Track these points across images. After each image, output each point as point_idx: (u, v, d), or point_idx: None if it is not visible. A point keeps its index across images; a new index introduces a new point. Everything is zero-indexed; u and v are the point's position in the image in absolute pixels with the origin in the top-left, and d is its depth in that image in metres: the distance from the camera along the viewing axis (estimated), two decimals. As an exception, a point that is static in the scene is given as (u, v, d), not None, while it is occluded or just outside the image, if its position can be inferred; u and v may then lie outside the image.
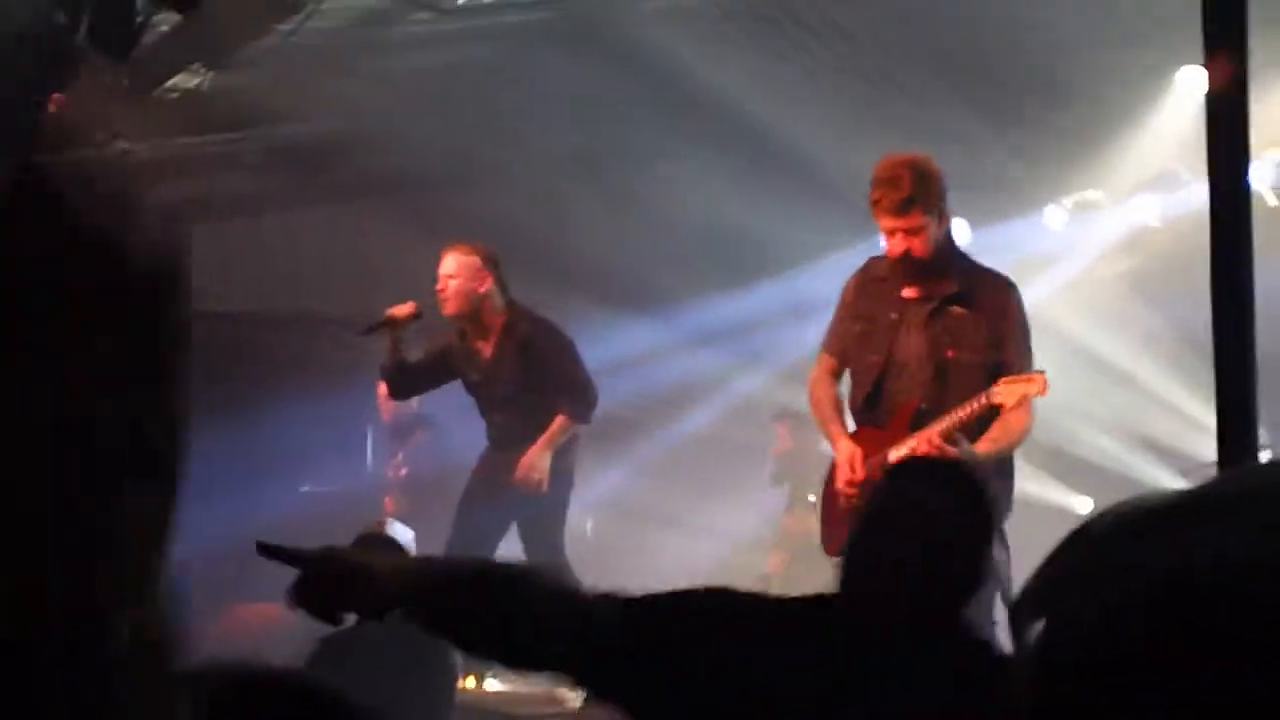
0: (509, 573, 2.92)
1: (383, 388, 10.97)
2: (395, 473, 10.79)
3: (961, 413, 6.00)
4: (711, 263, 12.11)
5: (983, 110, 10.84)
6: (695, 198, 11.86)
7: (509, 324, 8.07)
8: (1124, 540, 0.88)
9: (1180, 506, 0.88)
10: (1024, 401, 6.06)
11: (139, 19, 7.75)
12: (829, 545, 6.36)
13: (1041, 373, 6.09)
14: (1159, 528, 0.87)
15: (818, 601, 3.03)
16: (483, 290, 8.05)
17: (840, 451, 6.33)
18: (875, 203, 6.20)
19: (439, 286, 8.07)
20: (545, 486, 7.96)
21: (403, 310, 8.00)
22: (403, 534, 6.65)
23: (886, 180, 6.17)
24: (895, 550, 3.06)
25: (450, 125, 11.03)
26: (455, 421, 9.36)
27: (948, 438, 5.98)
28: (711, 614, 2.84)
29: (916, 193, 6.14)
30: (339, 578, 2.72)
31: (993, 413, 6.06)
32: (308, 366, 11.07)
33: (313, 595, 2.74)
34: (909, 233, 6.16)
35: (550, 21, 10.71)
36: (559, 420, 8.03)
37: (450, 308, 8.07)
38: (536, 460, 7.98)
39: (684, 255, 12.06)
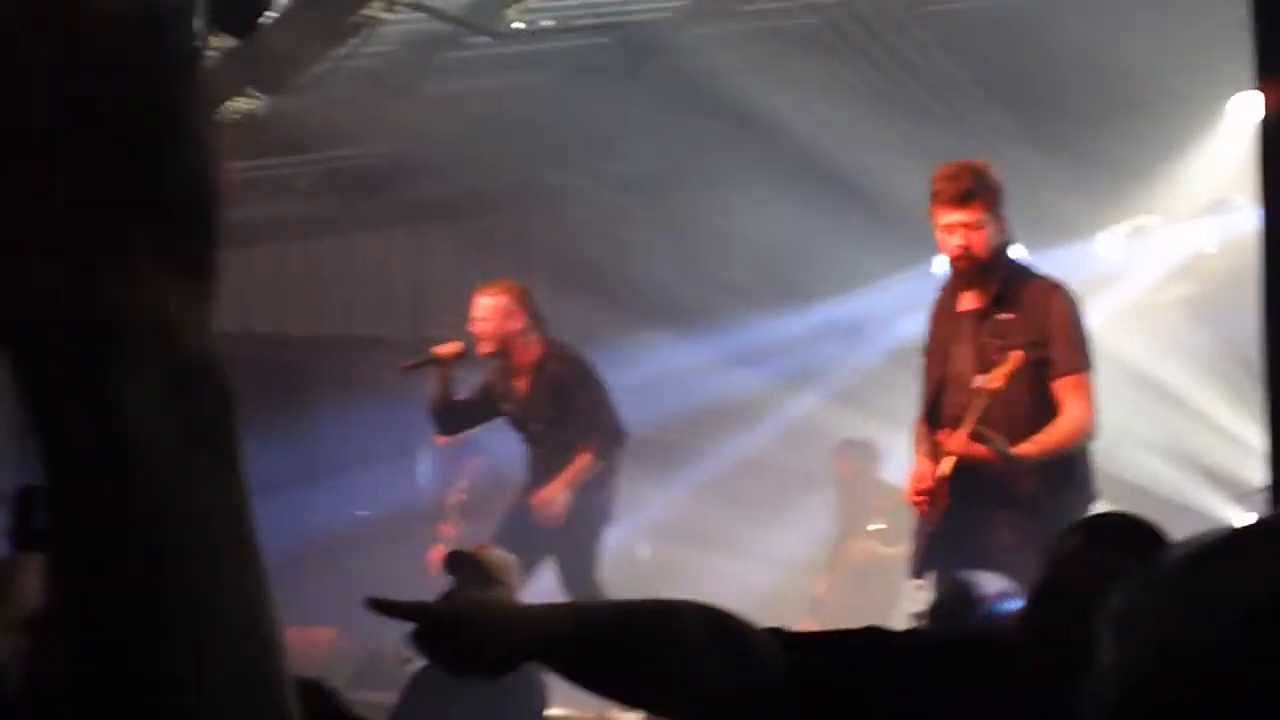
0: (656, 612, 2.63)
1: None
2: (455, 498, 10.81)
3: (974, 408, 5.98)
4: (767, 285, 12.13)
5: (1036, 137, 10.83)
6: (751, 221, 11.89)
7: (541, 361, 8.14)
8: (1207, 565, 0.87)
9: (1256, 533, 0.88)
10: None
11: (196, 43, 7.81)
12: (912, 566, 6.38)
13: (1019, 349, 6.04)
14: (1239, 553, 0.87)
15: (977, 640, 2.91)
16: (515, 329, 8.11)
17: (912, 467, 6.38)
18: (936, 194, 6.16)
19: (474, 330, 8.15)
20: (562, 521, 7.96)
21: (448, 349, 8.09)
22: (504, 560, 6.66)
23: (948, 175, 6.16)
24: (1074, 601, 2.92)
25: (508, 150, 11.09)
26: (512, 447, 9.41)
27: (976, 437, 5.96)
28: (880, 652, 2.68)
29: (977, 186, 6.13)
30: (469, 635, 2.50)
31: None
32: (363, 390, 11.12)
33: (442, 651, 2.52)
34: (969, 227, 6.12)
35: (607, 47, 10.75)
36: (582, 457, 8.05)
37: (484, 349, 8.18)
38: (555, 495, 8.02)
39: (739, 277, 12.09)
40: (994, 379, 5.98)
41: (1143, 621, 0.87)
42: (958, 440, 5.98)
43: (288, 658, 0.86)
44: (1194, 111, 10.85)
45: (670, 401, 11.64)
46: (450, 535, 10.61)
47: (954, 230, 6.16)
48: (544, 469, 8.20)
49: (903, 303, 10.49)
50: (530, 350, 8.16)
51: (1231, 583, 0.84)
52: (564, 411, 8.09)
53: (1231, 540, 0.87)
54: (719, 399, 12.29)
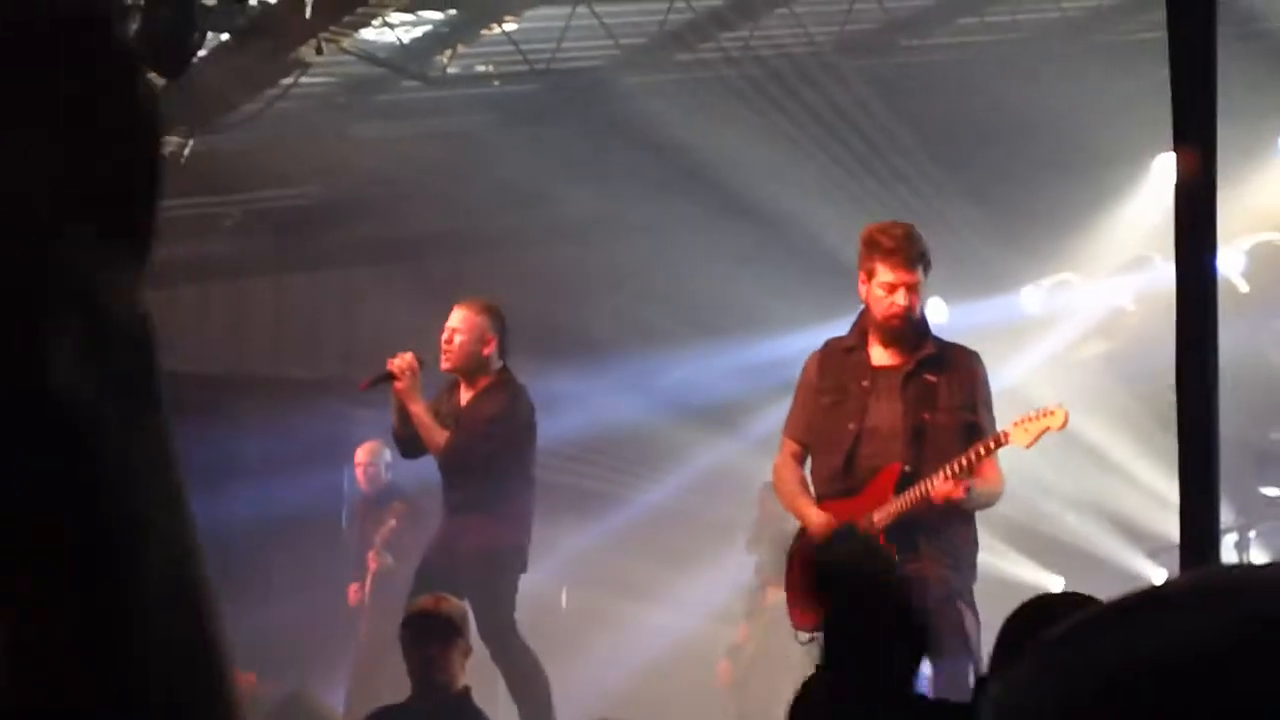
0: None
1: (360, 454, 10.96)
2: (368, 543, 10.73)
3: (966, 456, 6.08)
4: (693, 329, 12.15)
5: (966, 190, 10.99)
6: (682, 266, 11.93)
7: (490, 387, 8.02)
8: (1085, 627, 0.89)
9: (1142, 600, 0.90)
10: (1037, 438, 6.18)
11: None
12: (799, 617, 6.38)
13: (1061, 405, 6.23)
14: (1118, 618, 0.89)
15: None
16: (485, 353, 7.99)
17: (814, 521, 6.35)
18: (889, 251, 6.20)
19: (444, 339, 8.03)
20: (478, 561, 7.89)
21: (402, 364, 7.91)
22: (463, 611, 6.66)
23: (901, 235, 6.23)
24: None
25: (438, 193, 11.10)
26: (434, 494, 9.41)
27: (960, 477, 6.08)
28: None
29: (924, 251, 6.24)
30: None
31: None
32: (286, 433, 11.07)
33: None
34: (911, 289, 6.21)
35: (540, 93, 10.81)
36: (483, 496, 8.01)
37: (449, 362, 7.98)
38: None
39: (666, 322, 12.11)
40: (1023, 436, 6.14)
41: (1011, 700, 0.89)
42: (944, 476, 6.05)
43: (221, 622, 0.87)
44: (1118, 171, 11.01)
45: (591, 447, 11.66)
46: (374, 567, 10.56)
47: (896, 289, 6.22)
48: (453, 501, 8.09)
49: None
50: (485, 378, 8.04)
51: (1092, 657, 0.86)
52: (484, 445, 7.96)
53: (1101, 613, 0.90)
54: (638, 446, 12.33)
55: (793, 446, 6.61)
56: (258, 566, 11.22)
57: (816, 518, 6.33)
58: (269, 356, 12.62)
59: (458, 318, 8.01)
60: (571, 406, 9.21)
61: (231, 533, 11.06)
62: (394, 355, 7.92)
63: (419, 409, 7.90)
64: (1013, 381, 6.72)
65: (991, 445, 6.10)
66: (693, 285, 12.08)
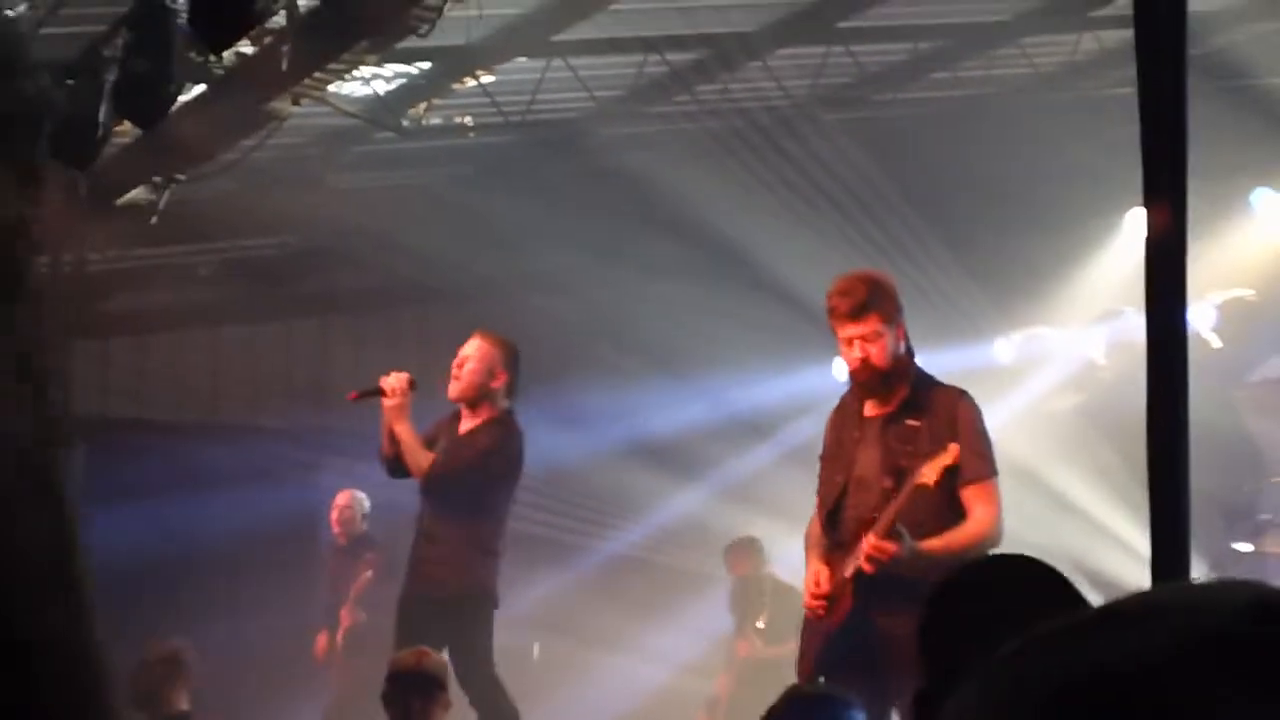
0: None
1: (339, 499, 10.90)
2: (341, 592, 10.69)
3: (894, 505, 6.01)
4: (666, 378, 12.17)
5: (944, 241, 11.06)
6: (653, 317, 11.96)
7: (492, 421, 7.96)
8: (1033, 643, 0.91)
9: (1089, 617, 0.92)
10: (977, 491, 6.09)
11: (100, 130, 7.80)
12: (801, 668, 6.40)
13: (955, 443, 6.10)
14: (1064, 634, 0.91)
15: None
16: (494, 385, 7.94)
17: (807, 572, 6.39)
18: (831, 310, 6.25)
19: (455, 364, 7.98)
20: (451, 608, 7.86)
21: (392, 381, 7.87)
22: (443, 664, 6.69)
23: (842, 290, 6.25)
24: None
25: (411, 243, 11.11)
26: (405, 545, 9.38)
27: (888, 534, 5.99)
28: None
29: (871, 299, 6.22)
30: None
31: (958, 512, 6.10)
32: (260, 479, 11.03)
33: None
34: (865, 339, 6.21)
35: (514, 145, 10.84)
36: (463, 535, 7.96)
37: (455, 391, 7.93)
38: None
39: (638, 370, 12.13)
40: (926, 475, 6.02)
41: (964, 714, 0.91)
42: (869, 541, 5.99)
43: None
44: (1091, 224, 11.08)
45: (557, 495, 11.65)
46: (347, 623, 10.52)
47: (851, 343, 6.25)
48: (429, 530, 8.04)
49: (801, 400, 10.59)
50: (492, 409, 7.98)
51: (1036, 671, 0.88)
52: (470, 474, 7.90)
53: (1050, 630, 0.91)
54: (605, 493, 12.33)
55: (818, 503, 6.63)
56: (229, 610, 11.17)
57: (809, 569, 6.36)
58: (243, 405, 12.59)
59: (472, 346, 7.98)
60: (540, 454, 9.18)
61: (203, 574, 11.02)
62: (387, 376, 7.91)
63: (404, 429, 7.87)
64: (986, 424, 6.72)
65: (902, 494, 6.04)
66: (666, 335, 12.11)
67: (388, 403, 7.85)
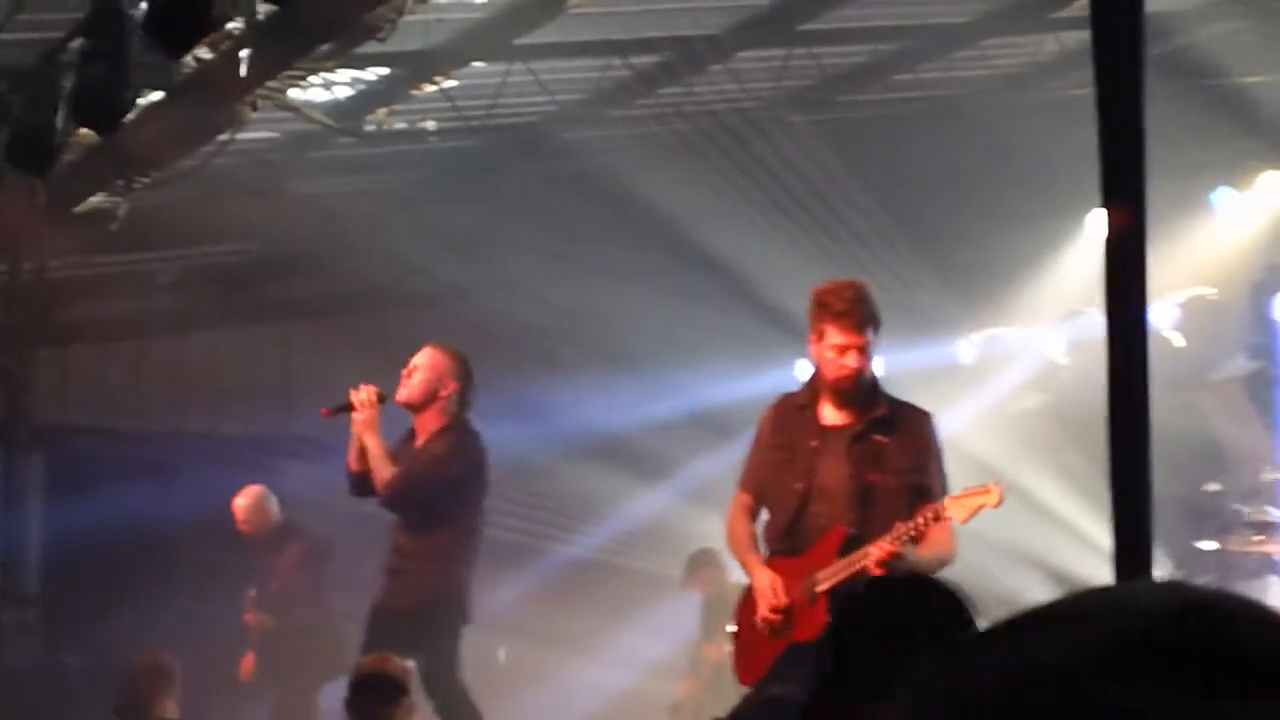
0: None
1: (237, 498, 10.67)
2: (268, 588, 10.54)
3: (911, 524, 5.98)
4: (630, 380, 12.16)
5: (909, 239, 11.08)
6: (616, 318, 11.95)
7: (442, 430, 7.97)
8: (963, 647, 0.91)
9: (1019, 619, 0.92)
10: (973, 514, 6.09)
11: (58, 137, 7.76)
12: (744, 673, 6.36)
13: (996, 484, 6.14)
14: (993, 638, 0.91)
15: None
16: (444, 393, 7.96)
17: (759, 580, 6.33)
18: (839, 314, 6.20)
19: (405, 372, 7.99)
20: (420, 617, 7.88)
21: (361, 395, 7.86)
22: (408, 670, 6.65)
23: (853, 297, 6.22)
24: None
25: (374, 249, 11.08)
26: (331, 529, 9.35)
27: (900, 543, 5.98)
28: None
29: (870, 312, 6.22)
30: None
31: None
32: (223, 488, 10.94)
33: None
34: (862, 351, 6.20)
35: (476, 149, 10.83)
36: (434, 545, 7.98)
37: (405, 395, 7.95)
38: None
39: (601, 373, 12.11)
40: (956, 511, 6.01)
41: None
42: (885, 543, 5.96)
43: None
44: (1052, 225, 11.10)
45: (519, 499, 11.62)
46: (256, 626, 10.41)
47: (847, 351, 6.21)
48: (395, 543, 8.05)
49: (766, 401, 10.57)
50: (443, 416, 7.99)
51: (965, 675, 0.88)
52: (424, 484, 7.91)
53: (982, 633, 0.91)
54: (567, 495, 12.32)
55: (745, 499, 6.59)
56: (194, 617, 11.09)
57: (763, 576, 6.31)
58: (206, 413, 12.54)
59: (422, 355, 8.02)
60: (503, 457, 9.17)
61: (170, 584, 10.95)
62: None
63: (373, 441, 7.87)
64: (948, 431, 6.72)
65: (932, 517, 6.02)
66: (630, 336, 12.11)
67: (357, 416, 7.87)
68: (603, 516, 12.65)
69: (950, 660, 0.89)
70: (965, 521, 6.07)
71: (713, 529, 11.59)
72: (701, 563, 11.49)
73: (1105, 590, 0.93)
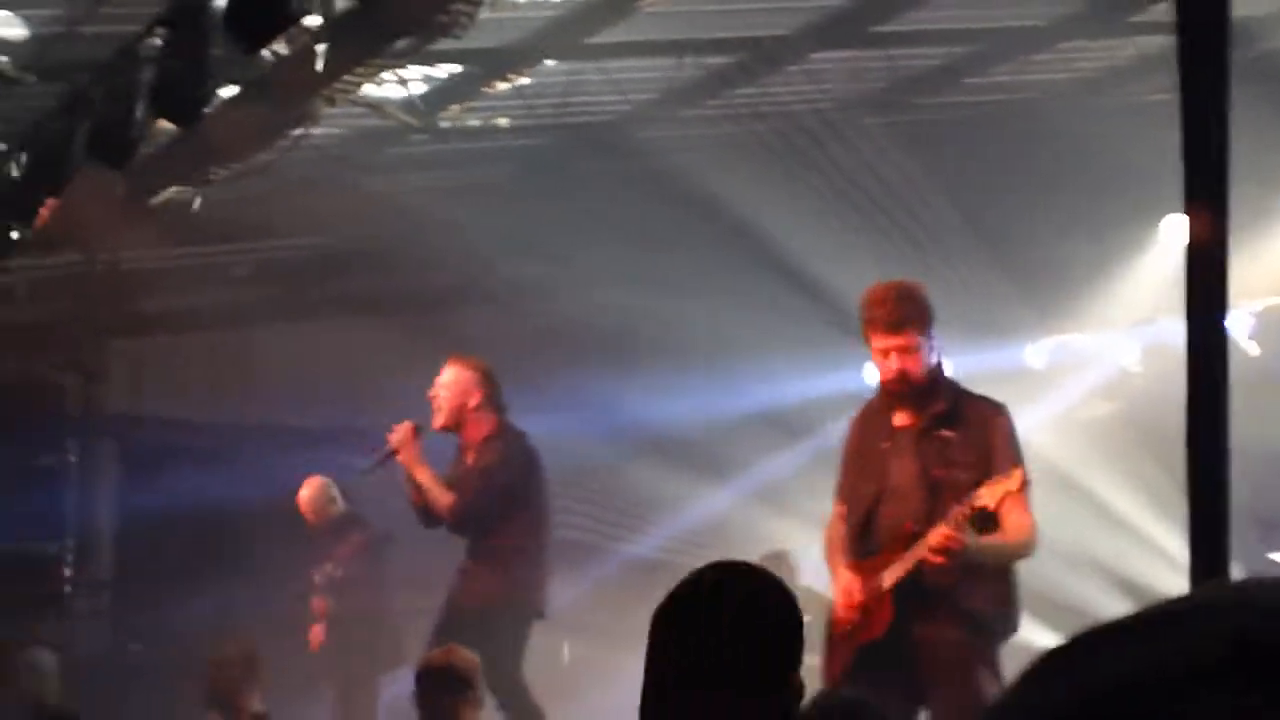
0: None
1: (302, 489, 10.74)
2: (326, 574, 10.58)
3: (956, 514, 5.93)
4: (696, 379, 12.15)
5: (983, 243, 11.03)
6: (686, 316, 11.94)
7: (485, 440, 8.06)
8: (1062, 654, 0.90)
9: (1123, 623, 0.90)
10: (1013, 501, 6.02)
11: (136, 129, 7.82)
12: (826, 674, 6.37)
13: (1019, 466, 6.07)
14: (1083, 651, 0.90)
15: None
16: (471, 405, 8.05)
17: (837, 581, 6.35)
18: (868, 322, 6.22)
19: (430, 396, 8.10)
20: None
21: (400, 436, 7.99)
22: (473, 661, 6.67)
23: (878, 300, 6.22)
24: None
25: (444, 246, 11.12)
26: (393, 521, 9.37)
27: (958, 527, 5.92)
28: None
29: (908, 311, 6.19)
30: None
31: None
32: (289, 479, 11.00)
33: None
34: (902, 351, 6.18)
35: (547, 147, 10.85)
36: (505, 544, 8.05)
37: (438, 420, 8.09)
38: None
39: (668, 373, 12.10)
40: (985, 498, 5.94)
41: None
42: (941, 531, 5.91)
43: None
44: (1126, 231, 11.02)
45: (585, 498, 11.63)
46: (321, 610, 10.45)
47: (887, 354, 6.22)
48: (471, 554, 8.15)
49: (834, 402, 10.54)
50: (480, 428, 8.09)
51: (1066, 682, 0.87)
52: (481, 500, 8.02)
53: (1080, 639, 0.90)
54: (633, 494, 12.31)
55: (838, 508, 6.59)
56: (259, 604, 11.15)
57: (839, 579, 6.33)
58: (275, 405, 12.61)
59: (445, 375, 8.15)
60: (568, 455, 9.19)
61: (236, 573, 11.02)
62: (394, 428, 8.02)
63: (424, 475, 7.99)
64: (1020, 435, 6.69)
65: (968, 510, 5.97)
66: (698, 334, 12.09)
67: (400, 456, 7.98)
68: (668, 516, 12.64)
69: (1054, 664, 0.88)
70: (995, 509, 5.99)
71: (779, 529, 11.59)
72: (772, 564, 11.44)
73: (1221, 590, 0.91)
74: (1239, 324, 10.61)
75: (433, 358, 8.52)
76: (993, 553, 6.04)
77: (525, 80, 9.49)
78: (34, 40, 8.19)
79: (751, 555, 11.53)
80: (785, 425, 12.05)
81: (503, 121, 10.13)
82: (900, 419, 6.34)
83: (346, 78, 8.06)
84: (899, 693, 5.82)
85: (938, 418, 6.25)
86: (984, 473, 6.09)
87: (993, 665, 6.07)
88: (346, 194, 10.58)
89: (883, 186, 11.08)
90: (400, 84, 9.30)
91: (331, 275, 12.28)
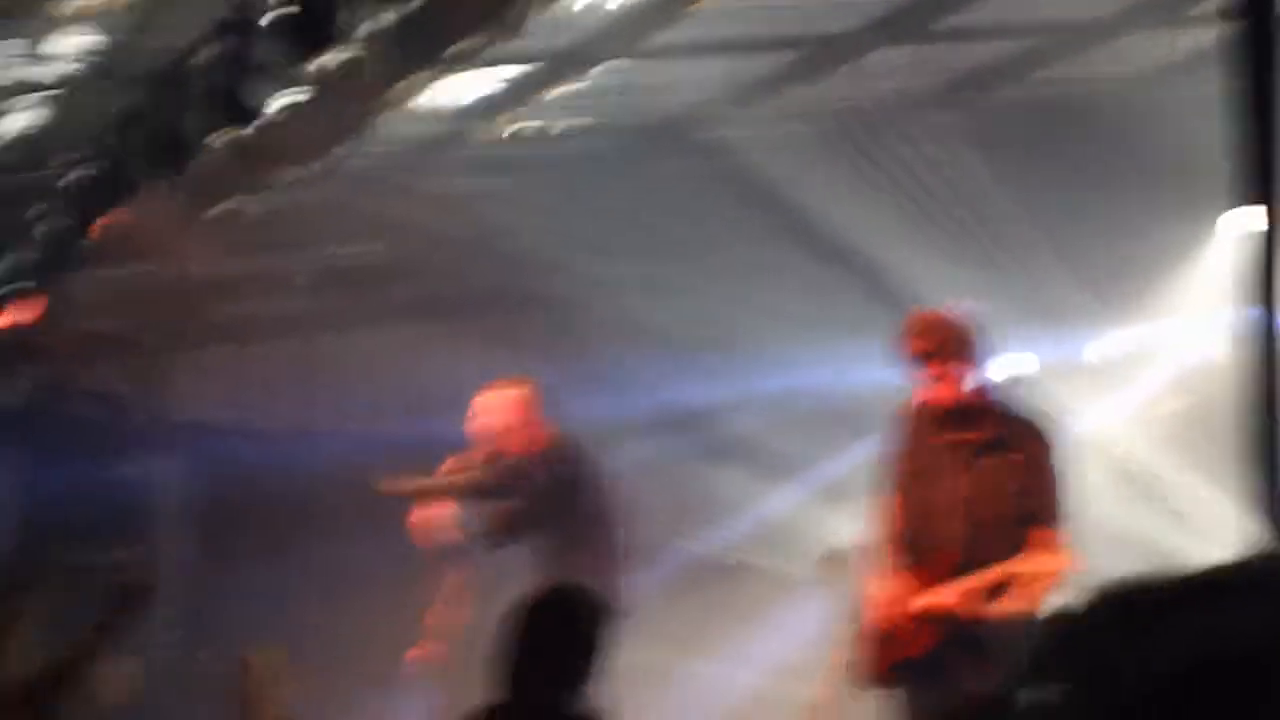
0: None
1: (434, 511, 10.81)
2: (431, 619, 10.59)
3: (986, 578, 5.95)
4: (755, 378, 12.12)
5: (1050, 234, 10.97)
6: (747, 317, 11.91)
7: (535, 456, 8.06)
8: (1137, 624, 0.89)
9: (1182, 593, 0.89)
10: (1051, 546, 6.02)
11: (193, 139, 7.85)
12: (871, 666, 6.37)
13: (1069, 549, 6.06)
14: (1167, 614, 0.88)
15: None
16: (514, 424, 8.05)
17: (875, 588, 6.36)
18: (907, 350, 6.38)
19: (475, 429, 8.12)
20: None
21: (444, 480, 8.02)
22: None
23: (910, 332, 6.29)
24: None
25: (504, 249, 11.13)
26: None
27: (973, 598, 5.95)
28: None
29: (944, 342, 6.20)
30: None
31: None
32: (353, 488, 11.04)
33: None
34: (939, 379, 6.20)
35: (607, 149, 10.84)
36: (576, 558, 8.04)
37: (486, 452, 8.10)
38: None
39: (727, 372, 12.08)
40: (1030, 570, 5.95)
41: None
42: (956, 594, 5.94)
43: None
44: (1193, 224, 10.93)
45: (649, 499, 11.61)
46: (423, 656, 10.43)
47: (924, 379, 6.25)
48: (544, 564, 8.16)
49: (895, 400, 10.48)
50: (530, 447, 8.09)
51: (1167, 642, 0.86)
52: (557, 510, 8.02)
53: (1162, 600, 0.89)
54: (693, 492, 12.28)
55: (883, 513, 6.59)
56: (323, 616, 11.20)
57: (879, 585, 6.35)
58: (337, 412, 12.64)
59: (483, 405, 8.12)
60: (625, 456, 9.18)
61: (300, 583, 11.05)
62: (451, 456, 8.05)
63: (481, 498, 8.02)
64: (1081, 431, 6.65)
65: (996, 577, 5.98)
66: (761, 333, 12.05)
67: (449, 490, 8.02)
68: (729, 515, 12.60)
69: (1149, 628, 0.86)
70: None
71: (839, 528, 11.52)
72: (835, 564, 11.39)
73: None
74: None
75: (492, 361, 8.52)
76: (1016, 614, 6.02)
77: (583, 82, 9.48)
78: (98, 52, 8.24)
79: (809, 553, 11.53)
80: (847, 423, 11.99)
81: (561, 124, 10.13)
82: (944, 437, 6.32)
83: (403, 84, 8.07)
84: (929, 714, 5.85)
85: (984, 445, 6.24)
86: (1025, 506, 6.09)
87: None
88: (404, 199, 10.60)
89: (945, 181, 11.02)
90: (457, 89, 9.31)
91: (390, 281, 12.30)
